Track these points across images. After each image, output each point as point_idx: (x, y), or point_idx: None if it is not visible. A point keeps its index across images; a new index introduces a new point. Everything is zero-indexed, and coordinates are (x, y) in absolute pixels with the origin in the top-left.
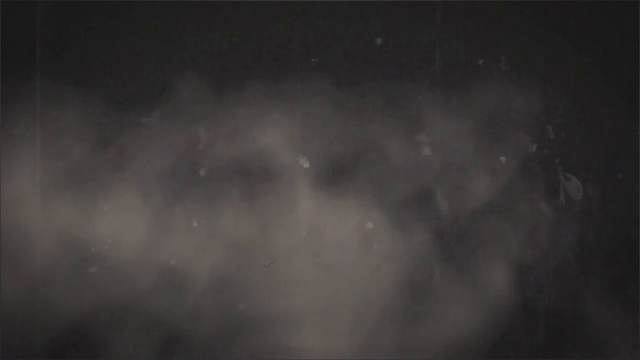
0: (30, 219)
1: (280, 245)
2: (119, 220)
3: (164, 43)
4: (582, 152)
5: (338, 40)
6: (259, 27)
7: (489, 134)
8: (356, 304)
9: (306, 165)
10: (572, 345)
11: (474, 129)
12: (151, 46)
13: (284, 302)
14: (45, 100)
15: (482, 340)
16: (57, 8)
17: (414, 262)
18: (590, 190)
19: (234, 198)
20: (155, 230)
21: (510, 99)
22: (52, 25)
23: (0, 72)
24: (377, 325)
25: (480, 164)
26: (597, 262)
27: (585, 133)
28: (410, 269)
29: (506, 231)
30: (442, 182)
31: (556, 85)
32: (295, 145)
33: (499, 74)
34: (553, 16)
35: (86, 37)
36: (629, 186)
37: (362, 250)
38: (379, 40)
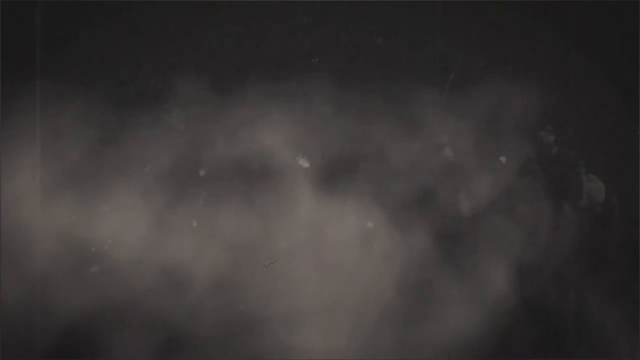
0: (31, 218)
1: (280, 245)
2: (118, 220)
3: (164, 43)
4: (583, 151)
5: (339, 40)
6: (260, 27)
7: (491, 133)
8: (357, 304)
9: (306, 165)
10: (574, 345)
11: (492, 129)
12: (151, 46)
13: (285, 302)
14: (45, 100)
15: (482, 340)
16: (57, 8)
17: (417, 263)
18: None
19: (234, 198)
20: (154, 230)
21: (510, 99)
22: (52, 25)
23: (0, 72)
24: (377, 325)
25: (483, 164)
26: (599, 262)
27: (585, 133)
28: (413, 270)
29: (516, 232)
30: (465, 183)
31: (556, 85)
32: (296, 145)
33: (500, 74)
34: (553, 16)
35: (86, 37)
36: (629, 186)
37: (363, 250)
38: (379, 40)
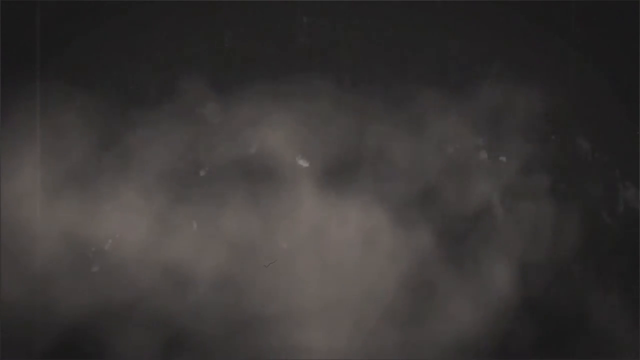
0: (32, 218)
1: (282, 245)
2: (120, 220)
3: (165, 43)
4: (583, 151)
5: (340, 40)
6: (261, 27)
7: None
8: (359, 303)
9: (307, 165)
10: (576, 344)
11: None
12: (152, 46)
13: (287, 301)
14: (45, 100)
15: (485, 340)
16: (57, 8)
17: (420, 262)
18: (595, 189)
19: (236, 198)
20: (156, 230)
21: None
22: (52, 25)
23: (0, 72)
24: (380, 324)
25: (485, 165)
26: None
27: (585, 133)
28: (415, 269)
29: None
30: (498, 184)
31: (556, 85)
32: (297, 145)
33: (522, 77)
34: (553, 16)
35: (86, 37)
36: (628, 186)
37: (366, 250)
38: (380, 40)
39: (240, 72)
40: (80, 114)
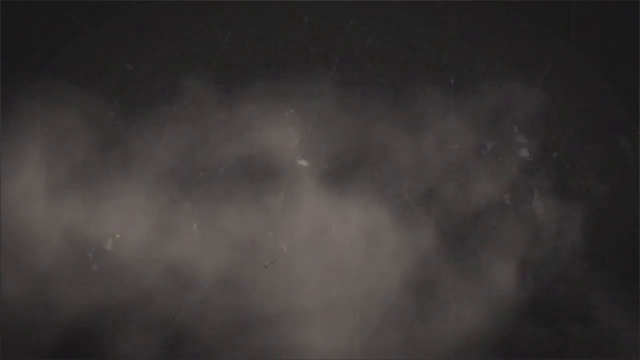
0: (33, 218)
1: (284, 244)
2: (122, 219)
3: (167, 43)
4: (583, 150)
5: (343, 41)
6: (263, 27)
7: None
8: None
9: (308, 164)
10: (578, 343)
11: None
12: (155, 46)
13: (290, 300)
14: (46, 100)
15: (488, 339)
16: (57, 8)
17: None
18: (596, 189)
19: (238, 196)
20: (158, 230)
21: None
22: (52, 25)
23: (0, 72)
24: (382, 323)
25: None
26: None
27: (585, 133)
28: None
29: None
30: (540, 183)
31: (556, 85)
32: (299, 144)
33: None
34: (553, 16)
35: (87, 37)
36: (628, 186)
37: (368, 249)
38: (382, 40)
39: (244, 72)
40: (81, 113)
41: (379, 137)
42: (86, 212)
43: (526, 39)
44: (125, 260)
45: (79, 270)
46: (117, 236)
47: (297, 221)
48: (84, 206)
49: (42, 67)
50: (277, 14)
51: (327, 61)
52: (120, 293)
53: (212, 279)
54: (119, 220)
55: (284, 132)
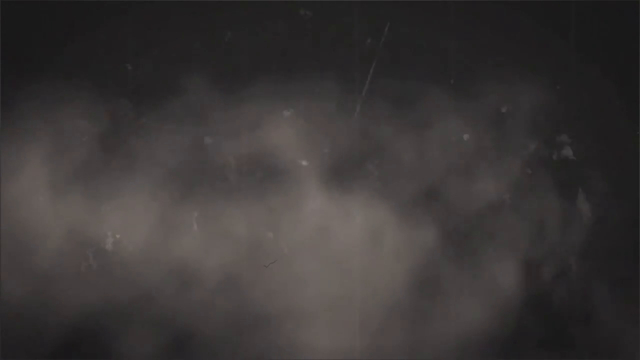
0: (34, 217)
1: (287, 243)
2: (124, 219)
3: (168, 43)
4: (583, 150)
5: (345, 40)
6: (265, 27)
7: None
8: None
9: (310, 164)
10: (581, 343)
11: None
12: (155, 46)
13: (292, 299)
14: (46, 100)
15: (491, 337)
16: (58, 8)
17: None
18: (595, 189)
19: (241, 195)
20: (160, 229)
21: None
22: (52, 25)
23: (0, 72)
24: (386, 322)
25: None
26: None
27: (585, 132)
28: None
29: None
30: (583, 183)
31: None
32: (301, 144)
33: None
34: (553, 16)
35: (87, 37)
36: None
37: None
38: (385, 40)
39: (246, 72)
40: (82, 113)
41: (383, 137)
42: (87, 212)
43: (526, 39)
44: (127, 260)
45: (80, 270)
46: (117, 236)
47: (299, 220)
48: (85, 205)
49: (42, 67)
50: (283, 14)
51: (328, 61)
52: (122, 293)
53: (213, 278)
54: (120, 219)
55: (284, 132)
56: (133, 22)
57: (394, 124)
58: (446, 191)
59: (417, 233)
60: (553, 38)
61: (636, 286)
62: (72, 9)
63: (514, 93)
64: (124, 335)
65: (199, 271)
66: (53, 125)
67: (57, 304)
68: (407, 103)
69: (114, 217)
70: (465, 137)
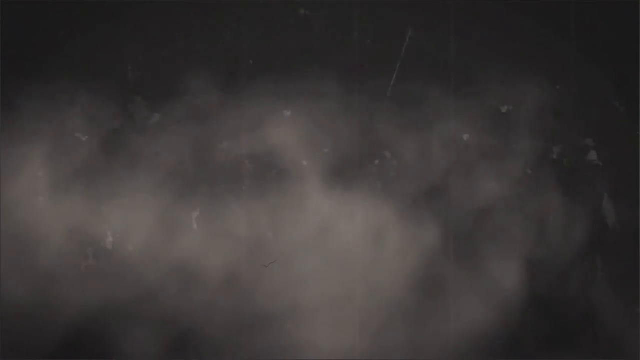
0: (35, 217)
1: (288, 243)
2: (124, 219)
3: (170, 42)
4: (583, 150)
5: (347, 40)
6: (266, 26)
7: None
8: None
9: (313, 164)
10: (584, 342)
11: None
12: (155, 46)
13: (294, 298)
14: (47, 100)
15: (493, 338)
16: (58, 8)
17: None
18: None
19: (242, 196)
20: (162, 228)
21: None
22: (53, 24)
23: (0, 72)
24: (388, 321)
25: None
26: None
27: (584, 132)
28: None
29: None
30: (610, 187)
31: (555, 84)
32: (303, 144)
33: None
34: (553, 16)
35: (87, 37)
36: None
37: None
38: (387, 40)
39: (247, 71)
40: (82, 113)
41: (385, 137)
42: (88, 211)
43: (526, 39)
44: (132, 260)
45: (81, 269)
46: (117, 235)
47: (300, 220)
48: (87, 205)
49: (43, 67)
50: (285, 13)
51: (335, 60)
52: (124, 292)
53: (215, 278)
54: (121, 219)
55: (286, 132)
56: (133, 22)
57: (395, 123)
58: (466, 190)
59: (420, 232)
60: (553, 38)
61: (636, 283)
62: (72, 9)
63: (515, 93)
64: (126, 335)
65: (201, 271)
66: (53, 124)
67: (58, 304)
68: (408, 103)
69: (115, 217)
70: (465, 137)
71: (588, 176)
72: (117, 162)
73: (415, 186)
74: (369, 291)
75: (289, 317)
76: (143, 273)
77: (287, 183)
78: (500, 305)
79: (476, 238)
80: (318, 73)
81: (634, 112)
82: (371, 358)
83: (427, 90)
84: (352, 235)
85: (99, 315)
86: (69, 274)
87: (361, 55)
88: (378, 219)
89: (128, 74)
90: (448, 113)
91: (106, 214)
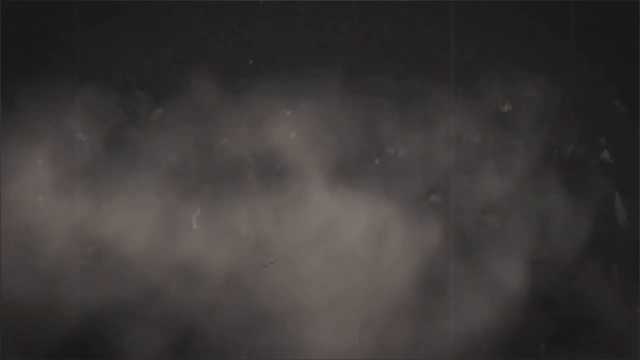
0: (36, 217)
1: (290, 242)
2: (127, 218)
3: (173, 42)
4: (583, 150)
5: (348, 39)
6: (269, 25)
7: None
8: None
9: (317, 161)
10: (586, 342)
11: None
12: (159, 44)
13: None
14: (47, 100)
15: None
16: (58, 8)
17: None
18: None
19: (244, 193)
20: (163, 227)
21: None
22: (52, 25)
23: (0, 72)
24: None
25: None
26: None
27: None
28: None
29: None
30: (621, 186)
31: (556, 84)
32: (306, 142)
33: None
34: (553, 16)
35: (89, 36)
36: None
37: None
38: (389, 40)
39: (250, 70)
40: (83, 112)
41: (386, 134)
42: (89, 211)
43: (526, 39)
44: (133, 258)
45: (82, 269)
46: (119, 235)
47: (302, 219)
48: (87, 204)
49: (43, 67)
50: (287, 13)
51: (330, 61)
52: (125, 292)
53: (218, 277)
54: (126, 218)
55: (288, 131)
56: (134, 22)
57: (397, 123)
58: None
59: (422, 231)
60: (553, 38)
61: (636, 282)
62: (72, 8)
63: (515, 93)
64: (127, 335)
65: (203, 270)
66: (54, 124)
67: (59, 304)
68: (409, 103)
69: (115, 216)
70: (464, 136)
71: (589, 175)
72: (117, 161)
73: (418, 185)
74: (371, 290)
75: (290, 317)
76: (146, 272)
77: (289, 182)
78: (504, 304)
79: (477, 237)
80: (319, 72)
81: (634, 112)
82: (373, 358)
83: (428, 90)
84: (355, 235)
85: (100, 314)
86: (69, 273)
87: (361, 55)
88: (380, 217)
89: (128, 74)
90: (448, 112)
91: (107, 213)
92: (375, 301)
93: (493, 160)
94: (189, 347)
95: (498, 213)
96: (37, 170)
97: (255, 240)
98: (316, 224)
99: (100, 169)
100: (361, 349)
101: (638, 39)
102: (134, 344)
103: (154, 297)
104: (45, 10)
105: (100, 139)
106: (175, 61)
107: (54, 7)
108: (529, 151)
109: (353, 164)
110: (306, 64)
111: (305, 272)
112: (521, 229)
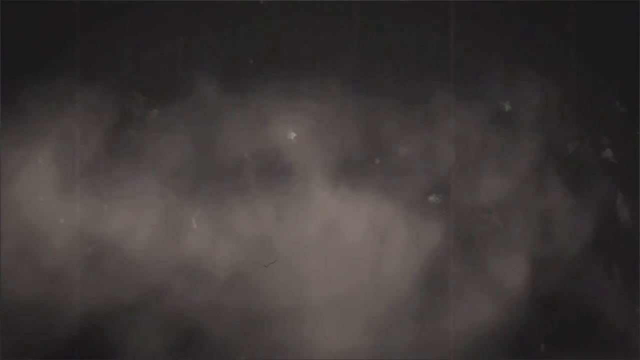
0: (36, 217)
1: (291, 241)
2: (128, 218)
3: (174, 41)
4: (583, 150)
5: (350, 39)
6: (271, 26)
7: None
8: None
9: (317, 160)
10: (587, 341)
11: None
12: (157, 45)
13: (299, 296)
14: (47, 100)
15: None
16: (58, 8)
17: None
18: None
19: (246, 193)
20: (166, 227)
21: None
22: (53, 25)
23: (0, 72)
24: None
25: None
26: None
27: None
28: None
29: None
30: (624, 187)
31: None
32: (307, 142)
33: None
34: (553, 16)
35: (89, 36)
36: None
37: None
38: (390, 40)
39: (253, 70)
40: (84, 112)
41: (387, 134)
42: (91, 209)
43: (526, 39)
44: (136, 257)
45: (83, 269)
46: (120, 234)
47: (303, 219)
48: (89, 203)
49: (43, 67)
50: (289, 13)
51: (330, 61)
52: (126, 292)
53: (220, 277)
54: (129, 218)
55: (295, 129)
56: (134, 21)
57: (397, 122)
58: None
59: (424, 231)
60: (553, 38)
61: (636, 282)
62: (72, 7)
63: (515, 92)
64: (128, 335)
65: (204, 270)
66: (54, 124)
67: (60, 304)
68: (409, 102)
69: (116, 216)
70: (465, 136)
71: (591, 174)
72: (118, 161)
73: (419, 184)
74: (374, 290)
75: (292, 316)
76: (148, 272)
77: (291, 181)
78: (505, 304)
79: (479, 237)
80: (319, 72)
81: (635, 112)
82: (374, 358)
83: (428, 90)
84: (358, 234)
85: (100, 315)
86: (70, 273)
87: (362, 55)
88: (381, 216)
89: (129, 73)
90: (449, 112)
91: (108, 213)
92: (377, 301)
93: (494, 159)
94: (190, 347)
95: (499, 212)
96: (36, 170)
97: (256, 240)
98: (317, 224)
99: (101, 169)
100: (363, 348)
101: (638, 39)
102: (134, 344)
103: (154, 297)
104: (45, 10)
105: (100, 139)
106: (176, 61)
107: (54, 7)
108: (530, 150)
109: (354, 164)
110: (306, 63)
111: (306, 271)
112: (523, 228)
